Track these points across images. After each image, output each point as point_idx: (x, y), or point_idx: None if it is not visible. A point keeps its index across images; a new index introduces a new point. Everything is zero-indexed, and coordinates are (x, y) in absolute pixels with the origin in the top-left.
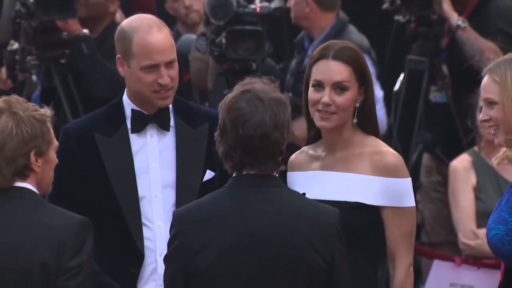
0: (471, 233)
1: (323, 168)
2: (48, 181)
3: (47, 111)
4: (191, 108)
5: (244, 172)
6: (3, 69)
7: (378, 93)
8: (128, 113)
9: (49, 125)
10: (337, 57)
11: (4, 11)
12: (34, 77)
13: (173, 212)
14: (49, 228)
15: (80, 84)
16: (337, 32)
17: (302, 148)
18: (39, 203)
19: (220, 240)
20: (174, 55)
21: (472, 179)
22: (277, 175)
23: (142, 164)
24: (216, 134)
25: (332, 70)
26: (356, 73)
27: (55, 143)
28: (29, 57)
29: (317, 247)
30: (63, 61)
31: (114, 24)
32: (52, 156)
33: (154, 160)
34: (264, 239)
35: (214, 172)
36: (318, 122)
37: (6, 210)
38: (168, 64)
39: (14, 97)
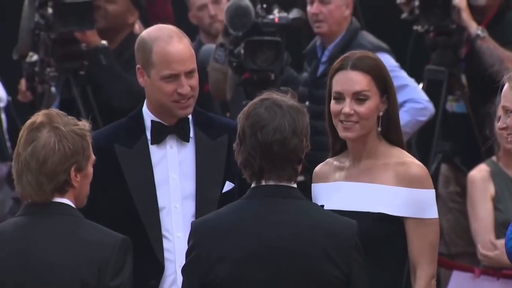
0: (489, 244)
1: (347, 178)
2: (85, 195)
3: (85, 124)
4: (211, 119)
5: (263, 182)
6: (23, 81)
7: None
8: (148, 124)
9: (89, 139)
10: (355, 66)
11: (23, 22)
12: (53, 89)
13: (191, 223)
14: (90, 246)
15: (99, 96)
16: (352, 37)
17: (328, 159)
18: (79, 219)
19: (237, 251)
20: (194, 65)
21: (491, 189)
22: (295, 186)
23: (162, 175)
24: (235, 144)
25: (351, 80)
26: (376, 82)
27: (93, 157)
28: (48, 69)
29: (334, 259)
30: (82, 72)
31: (133, 35)
32: (90, 170)
33: (173, 171)
34: (281, 251)
35: (233, 183)
36: (342, 133)
37: (45, 225)
38: (188, 74)
39: (54, 110)
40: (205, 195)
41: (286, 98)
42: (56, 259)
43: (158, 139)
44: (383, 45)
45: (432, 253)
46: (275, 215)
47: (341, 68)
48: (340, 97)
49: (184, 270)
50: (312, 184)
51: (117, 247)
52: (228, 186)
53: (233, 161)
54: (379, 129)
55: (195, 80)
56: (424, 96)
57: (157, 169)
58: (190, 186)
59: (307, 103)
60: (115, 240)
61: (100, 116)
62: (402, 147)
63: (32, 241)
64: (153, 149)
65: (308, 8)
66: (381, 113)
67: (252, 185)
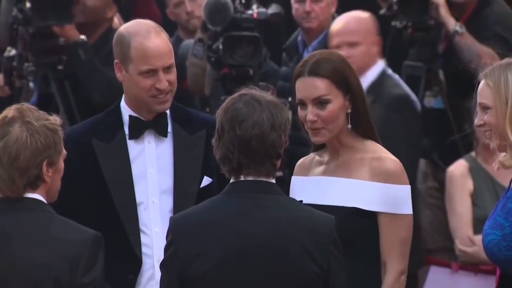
0: (467, 240)
1: (325, 173)
2: (56, 190)
3: (56, 119)
4: (189, 114)
5: (242, 177)
6: (0, 76)
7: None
8: (125, 119)
9: (61, 134)
10: (312, 72)
11: (1, 17)
12: (31, 84)
13: (170, 218)
14: (62, 242)
15: (78, 91)
16: None
17: (311, 153)
18: (51, 215)
19: (216, 247)
20: (172, 60)
21: (469, 185)
22: (274, 181)
23: (140, 170)
24: (213, 139)
25: (310, 86)
26: (336, 84)
27: (64, 152)
28: (26, 64)
29: (313, 255)
30: (60, 67)
31: (111, 30)
32: (61, 165)
33: (151, 166)
34: (260, 247)
35: (212, 178)
36: (312, 138)
37: (18, 222)
38: (167, 69)
39: (25, 105)
40: (183, 190)
41: (265, 94)
42: (29, 255)
43: (136, 134)
44: None
45: (403, 248)
46: (254, 211)
47: (300, 74)
48: (303, 104)
49: (162, 265)
50: (293, 176)
51: (89, 243)
52: (206, 181)
53: (211, 156)
54: (349, 126)
55: (173, 75)
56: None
57: (134, 164)
58: (168, 181)
59: (289, 98)
60: (86, 237)
61: (78, 111)
62: (375, 139)
63: (6, 238)
64: (131, 144)
65: (296, 5)
66: (349, 110)
67: (231, 181)
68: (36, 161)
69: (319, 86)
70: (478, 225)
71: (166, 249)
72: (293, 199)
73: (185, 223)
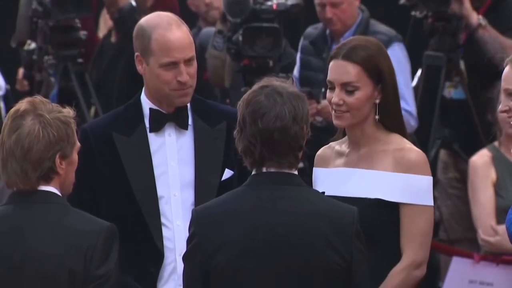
0: (490, 229)
1: (347, 164)
2: (70, 183)
3: (69, 111)
4: (209, 107)
5: (264, 169)
6: (20, 70)
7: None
8: (146, 112)
9: (73, 126)
10: (346, 56)
11: (21, 10)
12: (51, 77)
13: (192, 210)
14: (76, 234)
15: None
16: (365, 25)
17: (330, 143)
18: (65, 207)
19: (238, 238)
20: (193, 53)
21: (492, 174)
22: (296, 173)
23: (161, 163)
24: (235, 131)
25: (341, 70)
26: (368, 72)
27: (78, 144)
28: (46, 57)
29: (335, 246)
30: (80, 60)
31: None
32: (75, 157)
33: (172, 159)
34: (282, 237)
35: (233, 171)
36: (334, 121)
37: (32, 214)
38: (187, 62)
39: (38, 98)
40: (204, 183)
41: (286, 85)
42: (44, 248)
43: (157, 127)
44: (394, 32)
45: (420, 240)
46: (276, 202)
47: (334, 56)
48: (331, 86)
49: (185, 257)
50: (314, 168)
51: (103, 234)
52: (227, 173)
53: (232, 149)
54: (377, 117)
55: (193, 69)
56: (413, 103)
57: (155, 157)
58: (189, 174)
59: (322, 89)
60: (100, 228)
61: (99, 104)
62: (402, 134)
63: (19, 231)
64: (152, 137)
65: (319, 8)
66: (377, 101)
67: (253, 173)
68: (48, 154)
69: (350, 71)
70: (501, 215)
71: (188, 241)
72: (315, 191)
73: (207, 215)
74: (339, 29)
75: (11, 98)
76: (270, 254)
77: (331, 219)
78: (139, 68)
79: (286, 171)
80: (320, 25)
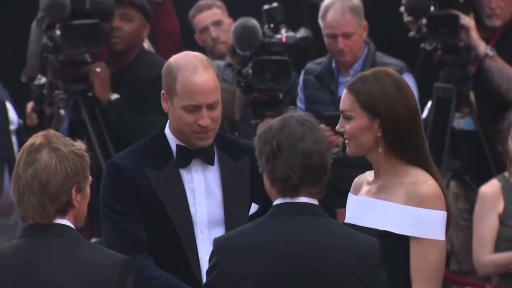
0: (479, 260)
1: (367, 194)
2: (83, 215)
3: (81, 145)
4: (231, 141)
5: (298, 197)
6: (29, 104)
7: None
8: (173, 147)
9: (88, 159)
10: (348, 86)
11: (31, 45)
12: (62, 111)
13: (214, 240)
14: (92, 267)
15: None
16: (373, 57)
17: (367, 171)
18: (79, 240)
19: (262, 269)
20: (217, 97)
21: (499, 206)
22: (317, 203)
23: (191, 200)
24: (261, 163)
25: (342, 98)
26: (360, 104)
27: (90, 178)
28: (56, 91)
29: (361, 279)
30: (90, 94)
31: (143, 51)
32: (88, 190)
33: (200, 195)
34: (306, 270)
35: (258, 204)
36: (346, 149)
37: (47, 248)
38: (211, 106)
39: (51, 132)
40: (234, 219)
41: (305, 116)
42: (59, 282)
43: (184, 163)
44: (406, 66)
45: (430, 274)
46: (299, 233)
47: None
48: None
49: (208, 286)
50: (349, 193)
51: (118, 267)
52: (253, 208)
53: (255, 183)
54: (380, 150)
55: (217, 112)
56: None
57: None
58: (217, 210)
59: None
60: (115, 261)
61: (109, 137)
62: (424, 167)
63: (34, 265)
64: (182, 172)
65: (329, 40)
66: (378, 134)
67: (275, 203)
68: (66, 187)
69: (346, 100)
70: (507, 245)
71: (210, 271)
72: (337, 221)
73: (230, 245)
74: (349, 61)
75: (23, 132)
76: (294, 286)
77: (356, 252)
78: (164, 105)
79: (311, 202)
80: (322, 60)
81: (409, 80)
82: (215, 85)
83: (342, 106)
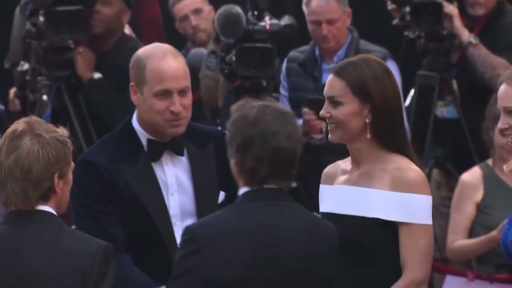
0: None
1: (347, 182)
2: (65, 202)
3: (64, 131)
4: (197, 129)
5: (264, 186)
6: (12, 90)
7: None
8: (143, 141)
9: (70, 146)
10: (336, 72)
11: (14, 31)
12: (44, 97)
13: (187, 228)
14: (74, 254)
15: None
16: (356, 45)
17: (337, 161)
18: (61, 227)
19: (242, 254)
20: (187, 83)
21: (478, 194)
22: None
23: (164, 192)
24: (231, 150)
25: (329, 84)
26: (353, 89)
27: (73, 164)
28: (39, 77)
29: (330, 259)
30: (73, 80)
31: (124, 36)
32: (70, 177)
33: (172, 187)
34: (283, 252)
35: (224, 191)
36: (328, 136)
37: (29, 235)
38: (182, 92)
39: (34, 118)
40: (205, 210)
41: (280, 105)
42: (41, 269)
43: (155, 157)
44: (389, 53)
45: (420, 258)
46: (275, 218)
47: (331, 71)
48: (326, 100)
49: (184, 274)
50: (320, 185)
51: (100, 254)
52: (222, 195)
53: (220, 169)
54: (368, 136)
55: (188, 100)
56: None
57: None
58: (189, 203)
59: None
60: (97, 248)
61: (92, 124)
62: (406, 154)
63: (16, 252)
64: (153, 166)
65: (313, 27)
66: (367, 120)
67: (243, 190)
68: (48, 174)
69: (336, 86)
70: (485, 231)
71: (186, 258)
72: (301, 206)
73: (210, 232)
74: (333, 47)
75: (5, 118)
76: (274, 268)
77: (324, 234)
78: (134, 98)
79: (278, 188)
80: (305, 48)
81: (392, 67)
82: (185, 72)
83: (330, 91)
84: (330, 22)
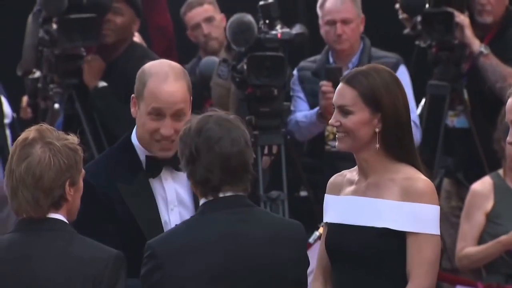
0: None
1: (355, 193)
2: (76, 209)
3: (74, 139)
4: None
5: (221, 194)
6: (24, 98)
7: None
8: (142, 158)
9: (81, 153)
10: (347, 80)
11: (27, 39)
12: (56, 105)
13: (147, 244)
14: (84, 262)
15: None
16: (369, 52)
17: (343, 171)
18: (72, 235)
19: (207, 267)
20: (184, 106)
21: (488, 204)
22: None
23: (163, 208)
24: (182, 164)
25: (339, 93)
26: (363, 98)
27: (83, 171)
28: (51, 85)
29: (300, 264)
30: (85, 88)
31: (133, 44)
32: (81, 184)
33: (172, 203)
34: (250, 262)
35: None
36: (336, 144)
37: (40, 242)
38: (176, 116)
39: (45, 126)
40: None
41: (226, 113)
42: (52, 277)
43: (155, 173)
44: (396, 56)
45: (427, 268)
46: (236, 227)
47: (341, 80)
48: (334, 108)
49: None
50: (325, 194)
51: (111, 262)
52: None
53: None
54: (377, 145)
55: (182, 124)
56: (417, 121)
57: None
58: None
59: None
60: (108, 256)
61: (103, 132)
62: (414, 164)
63: (27, 260)
64: (151, 183)
65: (327, 28)
66: (377, 130)
67: (202, 201)
68: (59, 181)
69: (347, 95)
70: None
71: (149, 274)
72: (264, 210)
73: (172, 246)
74: (347, 50)
75: (17, 126)
76: (242, 279)
77: (291, 238)
78: (133, 110)
79: (237, 194)
80: (316, 58)
81: (405, 72)
82: (182, 96)
83: (340, 100)
84: (345, 22)
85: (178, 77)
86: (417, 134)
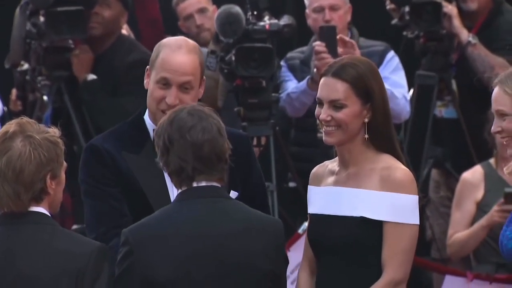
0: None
1: (336, 183)
2: (58, 202)
3: (56, 131)
4: None
5: (195, 184)
6: (14, 90)
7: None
8: (151, 132)
9: (62, 146)
10: (335, 74)
11: (15, 31)
12: (45, 97)
13: (122, 232)
14: (67, 256)
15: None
16: (356, 42)
17: (325, 161)
18: (54, 228)
19: (179, 251)
20: (191, 79)
21: (479, 193)
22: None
23: (168, 183)
24: (158, 156)
25: (329, 87)
26: (356, 90)
27: (65, 164)
28: (39, 78)
29: (271, 256)
30: (73, 80)
31: (121, 37)
32: (63, 177)
33: None
34: (220, 249)
35: (237, 191)
36: (324, 138)
37: (23, 237)
38: (183, 88)
39: (25, 119)
40: None
41: (200, 105)
42: (34, 270)
43: None
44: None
45: (402, 258)
46: (210, 215)
47: (325, 74)
48: (320, 103)
49: (122, 275)
50: (308, 186)
51: (94, 256)
52: (232, 195)
53: (235, 169)
54: (366, 136)
55: (188, 96)
56: (408, 96)
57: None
58: None
59: None
60: (91, 250)
61: (91, 124)
62: (394, 155)
63: (9, 254)
64: None
65: (315, 15)
66: (366, 120)
67: (181, 190)
68: (40, 175)
69: (338, 89)
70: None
71: (122, 260)
72: (240, 202)
73: (143, 233)
74: None
75: (8, 119)
76: (211, 265)
77: (265, 230)
78: (146, 82)
79: (215, 184)
80: (303, 49)
81: (394, 56)
82: (191, 69)
83: (332, 95)
84: (333, 8)
85: (191, 51)
86: (407, 107)
